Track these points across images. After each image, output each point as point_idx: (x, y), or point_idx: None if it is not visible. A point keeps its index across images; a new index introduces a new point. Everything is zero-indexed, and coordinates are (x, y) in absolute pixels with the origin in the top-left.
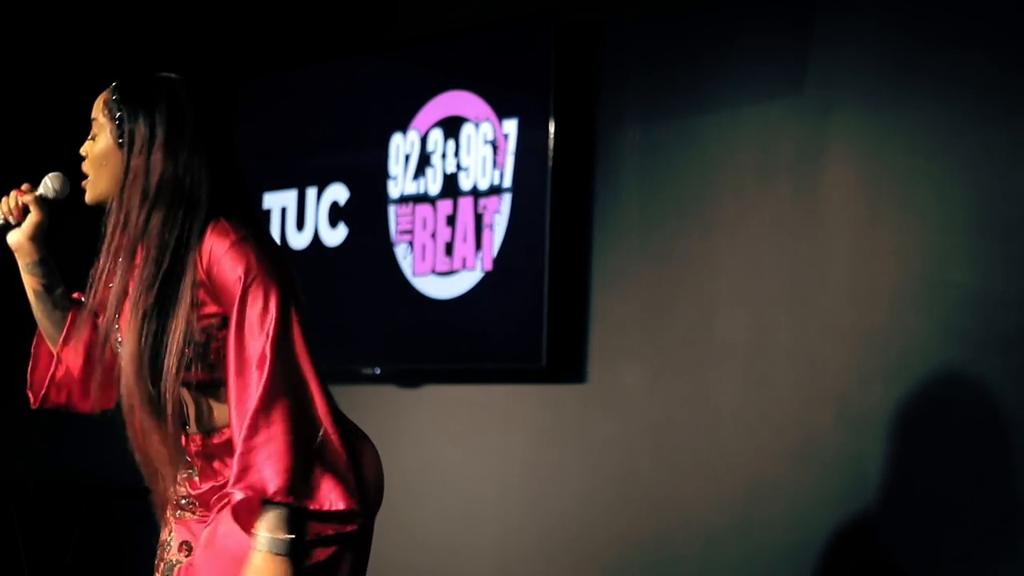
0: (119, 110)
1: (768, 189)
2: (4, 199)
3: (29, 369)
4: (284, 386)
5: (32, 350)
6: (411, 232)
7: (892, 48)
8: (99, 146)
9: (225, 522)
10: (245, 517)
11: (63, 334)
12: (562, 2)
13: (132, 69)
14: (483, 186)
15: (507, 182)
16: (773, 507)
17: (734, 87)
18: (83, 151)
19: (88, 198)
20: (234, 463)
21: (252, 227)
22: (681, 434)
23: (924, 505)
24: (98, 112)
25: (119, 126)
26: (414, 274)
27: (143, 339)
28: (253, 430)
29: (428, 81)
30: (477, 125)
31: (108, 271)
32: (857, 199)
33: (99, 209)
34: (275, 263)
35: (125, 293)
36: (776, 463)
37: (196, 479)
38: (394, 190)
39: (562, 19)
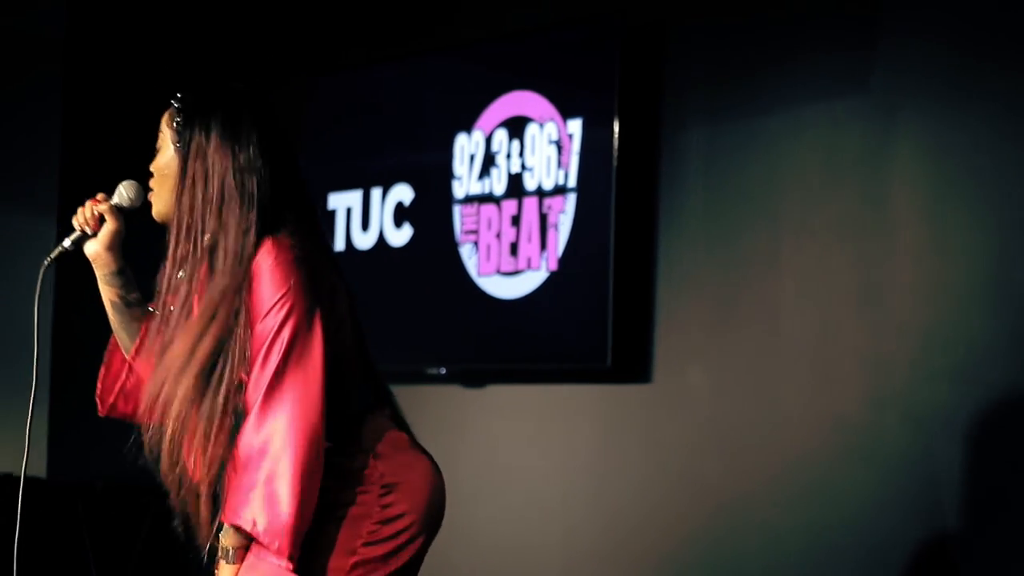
0: (178, 121)
1: (834, 189)
2: (80, 210)
3: (100, 376)
4: (275, 419)
5: (106, 357)
6: (476, 232)
7: (958, 46)
8: (163, 158)
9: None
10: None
11: (136, 344)
12: (628, 2)
13: (195, 80)
14: (548, 186)
15: (572, 182)
16: (839, 508)
17: (799, 87)
18: (151, 167)
19: (155, 211)
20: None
21: (306, 238)
22: (746, 434)
23: (991, 505)
24: (163, 125)
25: (178, 135)
26: (479, 274)
27: (207, 350)
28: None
29: (493, 81)
30: (542, 125)
31: (172, 280)
32: (923, 198)
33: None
34: (309, 289)
35: (188, 302)
36: (842, 464)
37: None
38: (459, 190)
39: (627, 19)
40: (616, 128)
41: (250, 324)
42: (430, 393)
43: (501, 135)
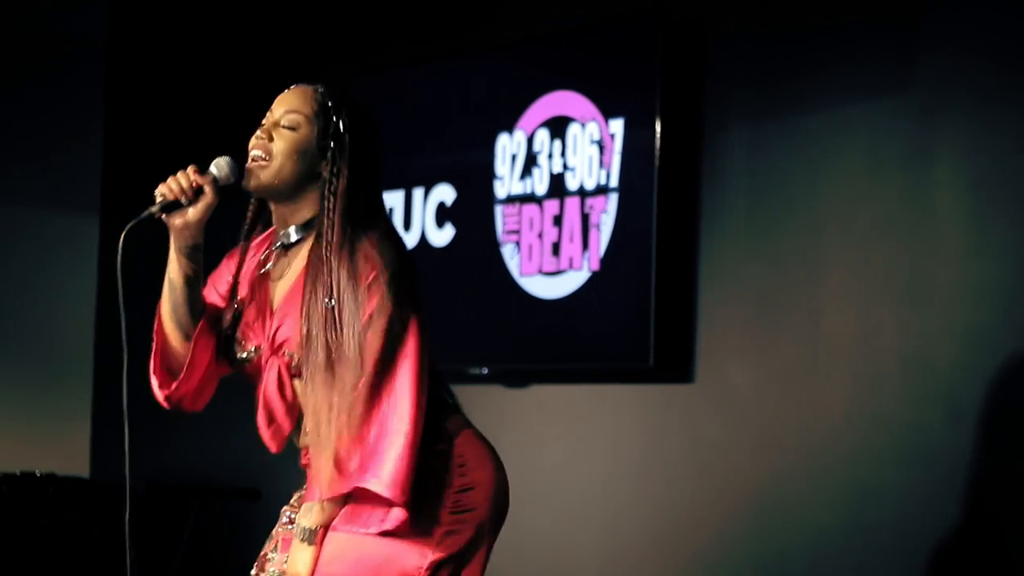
0: (333, 121)
1: (876, 188)
2: (173, 178)
3: (153, 355)
4: (379, 395)
5: (155, 339)
6: (518, 232)
7: (1000, 46)
8: (299, 139)
9: (328, 545)
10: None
11: (199, 328)
12: (669, 2)
13: (330, 77)
14: (590, 186)
15: (614, 182)
16: (882, 509)
17: (841, 87)
18: (267, 133)
19: (259, 181)
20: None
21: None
22: (789, 435)
23: None
24: (301, 107)
25: (330, 136)
26: (521, 274)
27: (338, 339)
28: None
29: (534, 81)
30: (583, 125)
31: (274, 270)
32: (966, 198)
33: None
34: (405, 274)
35: (303, 296)
36: (885, 464)
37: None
38: (501, 190)
39: (669, 18)
40: (658, 128)
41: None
42: (472, 393)
43: (543, 135)
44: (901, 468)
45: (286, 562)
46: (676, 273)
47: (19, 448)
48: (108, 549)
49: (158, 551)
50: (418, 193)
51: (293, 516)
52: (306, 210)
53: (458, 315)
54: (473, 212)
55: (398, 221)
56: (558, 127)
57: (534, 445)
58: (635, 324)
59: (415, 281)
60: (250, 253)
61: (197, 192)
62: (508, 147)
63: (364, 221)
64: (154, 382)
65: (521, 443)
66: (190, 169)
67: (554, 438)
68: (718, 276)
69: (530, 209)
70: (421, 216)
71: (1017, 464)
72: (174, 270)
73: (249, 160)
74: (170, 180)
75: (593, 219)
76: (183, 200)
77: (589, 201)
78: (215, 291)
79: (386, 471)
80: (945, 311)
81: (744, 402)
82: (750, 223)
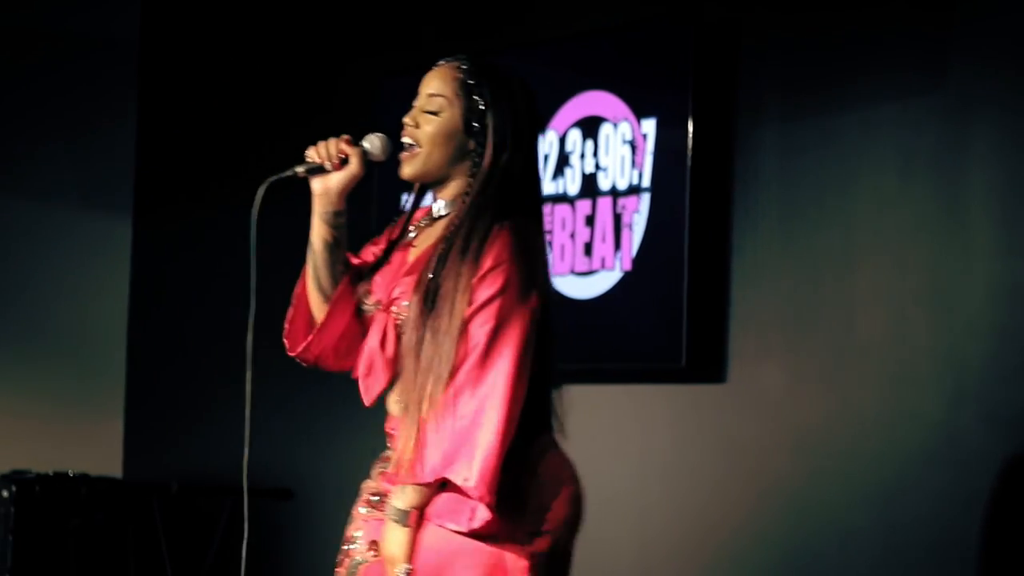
0: (476, 96)
1: (909, 187)
2: (323, 144)
3: (289, 317)
4: (475, 388)
5: (294, 300)
6: (550, 232)
7: None
8: (444, 124)
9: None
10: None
11: (339, 290)
12: (701, 1)
13: (473, 53)
14: (622, 186)
15: (646, 182)
16: (914, 508)
17: (874, 85)
18: (414, 120)
19: (412, 170)
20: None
21: (535, 224)
22: (821, 434)
23: None
24: (442, 89)
25: (475, 113)
26: (553, 274)
27: (460, 309)
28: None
29: (566, 81)
30: (616, 125)
31: (413, 238)
32: (999, 197)
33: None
34: (530, 267)
35: (423, 258)
36: (918, 464)
37: (390, 472)
38: None
39: (701, 18)
40: (690, 127)
41: (467, 289)
42: None
43: (575, 135)
44: (934, 468)
45: (375, 555)
46: (708, 273)
47: (52, 449)
48: (141, 549)
49: (191, 550)
50: None
51: (374, 497)
52: (454, 188)
53: None
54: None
55: None
56: (590, 127)
57: (565, 445)
58: (667, 324)
59: (538, 277)
60: (398, 229)
61: (343, 161)
62: (540, 147)
63: (508, 202)
64: (286, 344)
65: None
66: (343, 137)
67: (586, 438)
68: (750, 276)
69: (562, 209)
70: None
71: None
72: (314, 233)
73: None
74: (320, 144)
75: (625, 219)
76: (327, 165)
77: (621, 201)
78: (370, 252)
79: (473, 466)
80: (978, 311)
81: (776, 402)
82: (782, 223)
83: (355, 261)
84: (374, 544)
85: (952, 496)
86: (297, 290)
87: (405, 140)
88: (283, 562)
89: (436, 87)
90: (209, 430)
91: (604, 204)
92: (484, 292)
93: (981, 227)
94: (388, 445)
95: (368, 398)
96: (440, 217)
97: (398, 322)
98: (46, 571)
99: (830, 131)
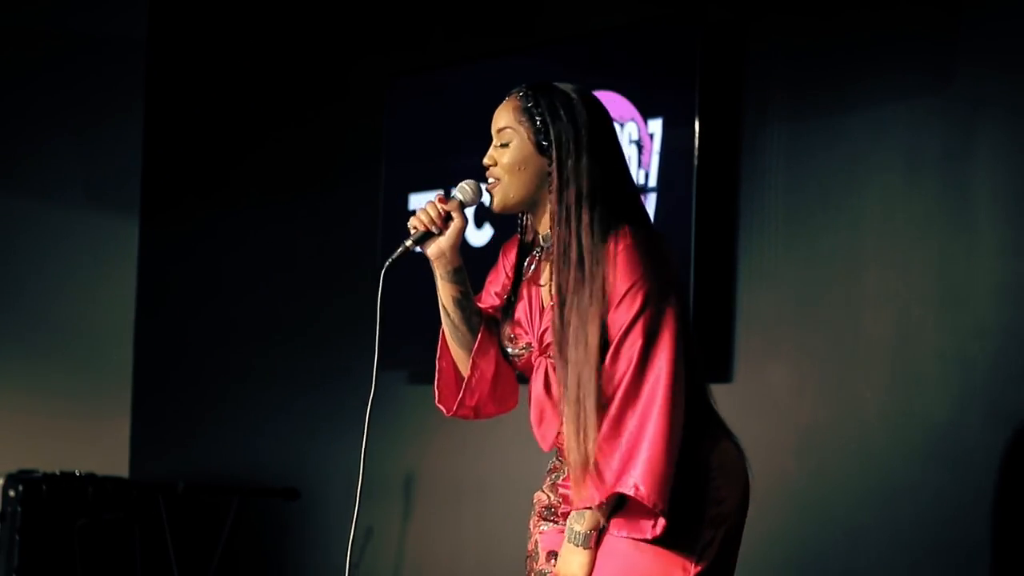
0: (537, 116)
1: (916, 186)
2: (422, 210)
3: (437, 382)
4: (634, 404)
5: (438, 363)
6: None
7: None
8: (515, 152)
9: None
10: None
11: (478, 341)
12: (708, 1)
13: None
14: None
15: (652, 182)
16: (920, 507)
17: (880, 84)
18: (492, 159)
19: (497, 203)
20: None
21: (644, 229)
22: (827, 434)
23: None
24: (508, 120)
25: (540, 131)
26: None
27: (592, 336)
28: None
29: (573, 81)
30: (622, 125)
31: (534, 272)
32: (1004, 197)
33: None
34: (661, 275)
35: (558, 295)
36: (924, 463)
37: (565, 486)
38: None
39: (707, 18)
40: (697, 128)
41: (605, 309)
42: None
43: None
44: (939, 468)
45: (554, 565)
46: (715, 272)
47: (59, 448)
48: (148, 548)
49: (197, 549)
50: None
51: (546, 510)
52: (548, 211)
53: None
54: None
55: None
56: None
57: None
58: None
59: (671, 280)
60: (512, 256)
61: (446, 219)
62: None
63: (607, 211)
64: (442, 409)
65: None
66: (436, 198)
67: None
68: (757, 275)
69: None
70: None
71: None
72: (443, 296)
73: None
74: (419, 212)
75: None
76: (434, 229)
77: None
78: (492, 294)
79: (644, 476)
80: (984, 310)
81: (783, 401)
82: (789, 222)
83: (484, 307)
84: (551, 555)
85: (958, 495)
86: (439, 354)
87: (489, 178)
88: (289, 561)
89: (502, 121)
90: (215, 430)
91: None
92: (625, 315)
93: (987, 227)
94: (558, 457)
95: (546, 445)
96: (550, 247)
97: (555, 364)
98: (53, 570)
99: (836, 131)
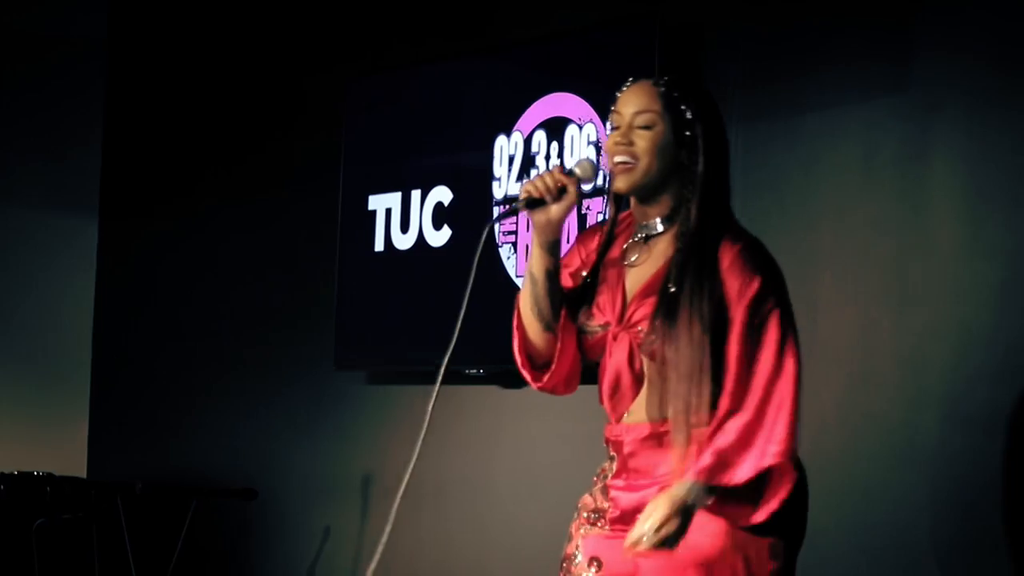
0: (685, 108)
1: (872, 188)
2: (539, 178)
3: (518, 350)
4: (770, 400)
5: (517, 332)
6: (515, 233)
7: (996, 46)
8: (658, 135)
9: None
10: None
11: (563, 318)
12: (666, 4)
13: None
14: (587, 187)
15: None
16: (876, 508)
17: (837, 85)
18: (627, 139)
19: (629, 182)
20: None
21: (751, 236)
22: None
23: None
24: (649, 104)
25: (686, 123)
26: (518, 275)
27: (701, 328)
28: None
29: (532, 83)
30: (581, 126)
31: (624, 254)
32: (961, 197)
33: None
34: (777, 277)
35: (657, 287)
36: (880, 464)
37: (622, 483)
38: (498, 191)
39: (665, 21)
40: None
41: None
42: (468, 394)
43: (540, 136)
44: (895, 468)
45: (596, 571)
46: None
47: (17, 448)
48: (105, 548)
49: (155, 550)
50: (416, 195)
51: (593, 514)
52: (667, 202)
53: (454, 316)
54: (470, 213)
55: (396, 223)
56: (555, 128)
57: (529, 446)
58: None
59: (785, 287)
60: (595, 241)
61: (561, 191)
62: (505, 148)
63: (720, 212)
64: (527, 376)
65: (516, 444)
66: (555, 168)
67: (549, 439)
68: None
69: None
70: (419, 217)
71: (1011, 465)
72: (536, 264)
73: (613, 165)
74: (536, 178)
75: (591, 220)
76: (548, 198)
77: (586, 202)
78: (567, 275)
79: (780, 442)
80: (940, 310)
81: None
82: (746, 222)
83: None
84: (593, 560)
85: (914, 496)
86: (516, 322)
87: (620, 158)
88: (247, 561)
89: (644, 103)
90: (173, 430)
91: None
92: (760, 308)
93: (944, 227)
94: (611, 453)
95: (616, 415)
96: (658, 234)
97: (642, 341)
98: (11, 570)
99: (793, 132)
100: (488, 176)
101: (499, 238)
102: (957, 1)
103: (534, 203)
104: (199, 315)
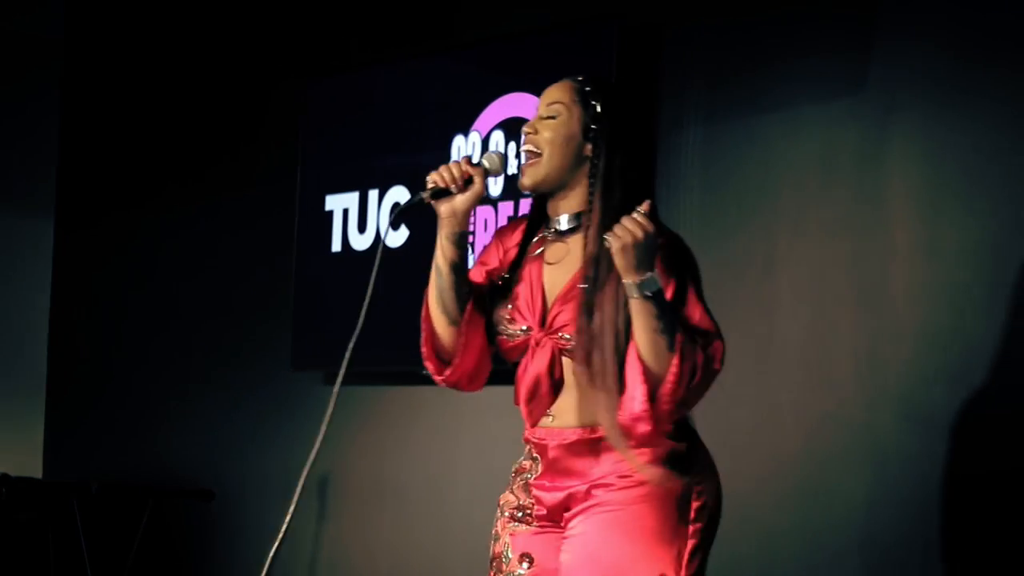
0: (593, 101)
1: (830, 189)
2: (446, 168)
3: (424, 342)
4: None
5: (424, 324)
6: (472, 233)
7: (954, 46)
8: (561, 127)
9: (596, 530)
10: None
11: (468, 312)
12: (624, 5)
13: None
14: (496, 179)
15: None
16: (834, 509)
17: (795, 87)
18: (533, 127)
19: (533, 177)
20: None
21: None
22: (741, 435)
23: (986, 505)
24: (560, 96)
25: (592, 116)
26: None
27: (618, 322)
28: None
29: (490, 83)
30: None
31: (542, 253)
32: (919, 198)
33: None
34: (693, 269)
35: (577, 282)
36: (837, 464)
37: (547, 483)
38: None
39: (624, 21)
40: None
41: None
42: (425, 394)
43: (498, 136)
44: (853, 469)
45: (527, 567)
46: None
47: None
48: (61, 549)
49: (111, 551)
50: (373, 195)
51: (518, 512)
52: (577, 198)
53: (412, 316)
54: (428, 214)
55: (353, 223)
56: (513, 128)
57: (488, 446)
58: None
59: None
60: (515, 238)
61: (467, 182)
62: (463, 148)
63: (631, 205)
64: (430, 368)
65: (474, 445)
66: (462, 159)
67: (508, 439)
68: None
69: (484, 210)
70: (376, 217)
71: (969, 465)
72: (440, 256)
73: (522, 159)
74: (442, 168)
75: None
76: (453, 188)
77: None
78: (483, 272)
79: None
80: (898, 311)
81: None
82: (704, 223)
83: (475, 279)
84: (524, 556)
85: (872, 496)
86: (424, 313)
87: (527, 147)
88: (204, 562)
89: (554, 96)
90: (130, 431)
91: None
92: (684, 303)
93: (902, 227)
94: (534, 455)
95: (532, 419)
96: (568, 231)
97: (566, 347)
98: None
99: (751, 133)
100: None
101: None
102: (915, 2)
103: (439, 193)
104: (156, 316)
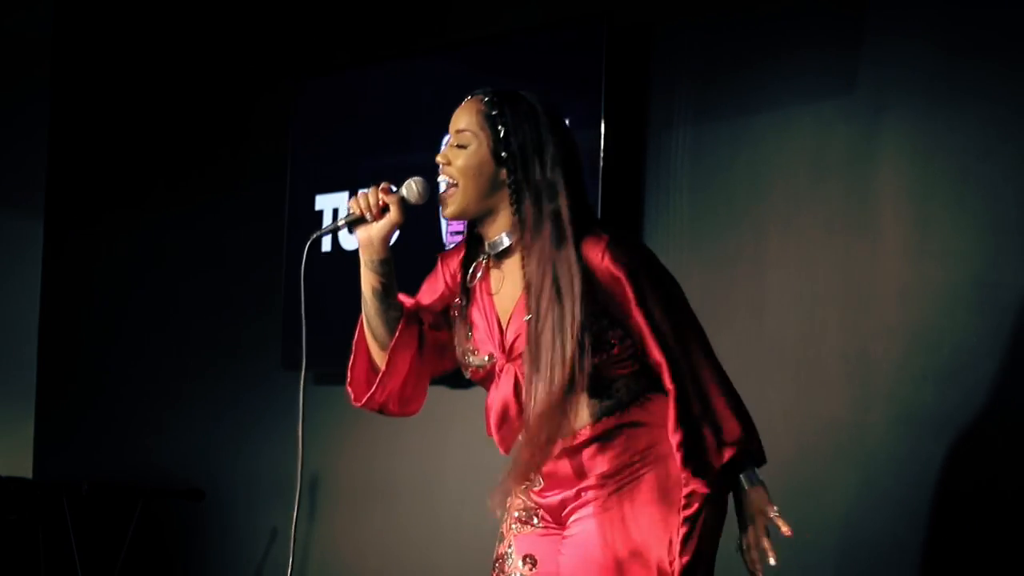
0: (500, 124)
1: (820, 190)
2: (363, 194)
3: (350, 366)
4: (701, 357)
5: (354, 347)
6: (462, 233)
7: (944, 46)
8: (472, 156)
9: (590, 531)
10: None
11: (396, 336)
12: (614, 4)
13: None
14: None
15: None
16: (823, 509)
17: (785, 88)
18: (446, 158)
19: (452, 208)
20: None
21: (614, 230)
22: None
23: (977, 506)
24: (468, 123)
25: (501, 141)
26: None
27: (573, 337)
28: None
29: (480, 82)
30: None
31: (482, 280)
32: (909, 199)
33: None
34: (645, 257)
35: (534, 305)
36: (826, 464)
37: (539, 488)
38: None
39: (614, 21)
40: (602, 129)
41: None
42: None
43: None
44: (842, 469)
45: (530, 569)
46: None
47: None
48: (52, 549)
49: (102, 551)
50: None
51: (523, 513)
52: (503, 220)
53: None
54: (418, 213)
55: None
56: None
57: (477, 446)
58: None
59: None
60: (457, 259)
61: (383, 210)
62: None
63: (576, 220)
64: (350, 393)
65: (464, 444)
66: (381, 186)
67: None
68: None
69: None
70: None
71: (957, 465)
72: (364, 283)
73: (441, 187)
74: (359, 195)
75: None
76: (368, 216)
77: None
78: (429, 297)
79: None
80: (888, 312)
81: None
82: (694, 223)
83: (410, 303)
84: (528, 558)
85: (861, 496)
86: (356, 339)
87: (442, 179)
88: (194, 562)
89: (461, 122)
90: (120, 431)
91: None
92: (652, 311)
93: (891, 228)
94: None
95: (505, 448)
96: (504, 252)
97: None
98: None
99: (741, 134)
100: (436, 176)
101: (447, 238)
102: (905, 3)
103: (357, 221)
104: (146, 315)
